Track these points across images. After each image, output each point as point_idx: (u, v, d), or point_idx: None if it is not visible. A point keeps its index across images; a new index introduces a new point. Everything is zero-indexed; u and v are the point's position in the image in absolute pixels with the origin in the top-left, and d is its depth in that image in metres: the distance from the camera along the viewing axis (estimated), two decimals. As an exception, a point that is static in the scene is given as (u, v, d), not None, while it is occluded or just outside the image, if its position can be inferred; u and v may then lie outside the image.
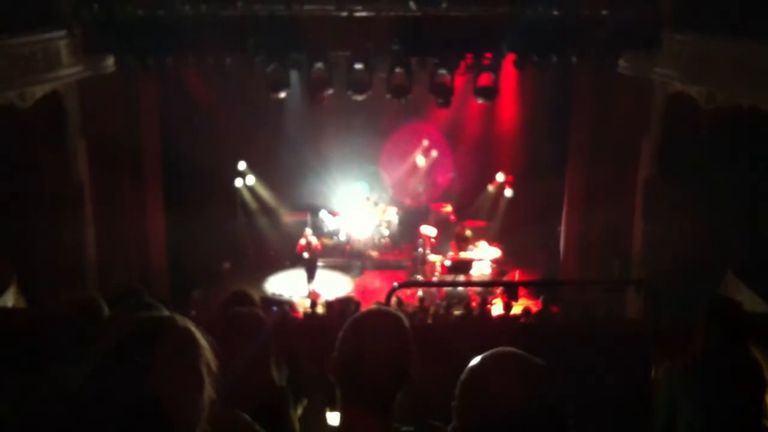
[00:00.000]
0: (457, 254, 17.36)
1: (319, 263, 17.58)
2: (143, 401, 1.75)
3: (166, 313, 1.95)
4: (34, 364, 3.24)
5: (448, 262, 16.98)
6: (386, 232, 19.06)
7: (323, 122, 18.24)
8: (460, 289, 16.52)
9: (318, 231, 18.34)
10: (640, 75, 14.26)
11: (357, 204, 19.14)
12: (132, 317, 1.92)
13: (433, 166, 20.09)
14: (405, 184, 20.20)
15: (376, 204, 19.13)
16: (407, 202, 20.14)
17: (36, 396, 2.95)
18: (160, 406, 1.75)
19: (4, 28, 11.90)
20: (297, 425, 3.79)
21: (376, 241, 18.88)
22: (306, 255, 17.08)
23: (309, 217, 18.86)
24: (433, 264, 17.36)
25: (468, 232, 18.15)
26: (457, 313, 13.96)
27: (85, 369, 1.81)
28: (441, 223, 18.83)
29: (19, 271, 11.72)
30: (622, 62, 14.41)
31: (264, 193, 19.35)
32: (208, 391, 1.85)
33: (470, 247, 17.62)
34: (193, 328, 1.90)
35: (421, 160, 20.03)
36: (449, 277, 16.87)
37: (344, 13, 13.85)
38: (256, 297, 4.84)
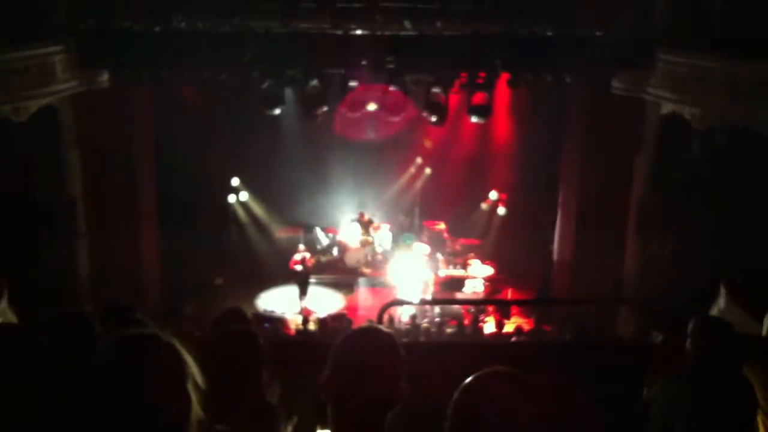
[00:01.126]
0: (447, 269, 17.37)
1: (312, 280, 17.54)
2: (129, 419, 1.73)
3: (152, 330, 1.93)
4: (25, 378, 3.23)
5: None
6: (379, 249, 19.04)
7: (317, 139, 18.24)
8: (452, 306, 16.48)
9: (311, 247, 18.31)
10: (634, 94, 14.34)
11: (350, 221, 19.11)
12: (116, 335, 1.90)
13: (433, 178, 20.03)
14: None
15: (369, 221, 19.11)
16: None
17: (27, 410, 2.93)
18: (146, 424, 1.74)
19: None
20: (288, 443, 3.78)
21: (369, 258, 18.85)
22: (299, 271, 17.04)
23: (302, 234, 18.83)
24: (425, 282, 17.34)
25: (458, 248, 18.17)
26: (449, 331, 13.95)
27: (73, 386, 1.80)
28: (434, 241, 18.81)
29: (12, 283, 11.67)
30: (615, 81, 14.49)
31: (257, 208, 19.33)
32: (196, 409, 1.84)
33: (461, 263, 17.61)
34: (178, 345, 1.89)
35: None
36: (442, 295, 16.85)
37: (340, 31, 13.90)
38: (249, 313, 4.84)
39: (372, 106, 18.30)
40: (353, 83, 14.26)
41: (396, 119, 16.26)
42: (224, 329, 3.83)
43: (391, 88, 14.72)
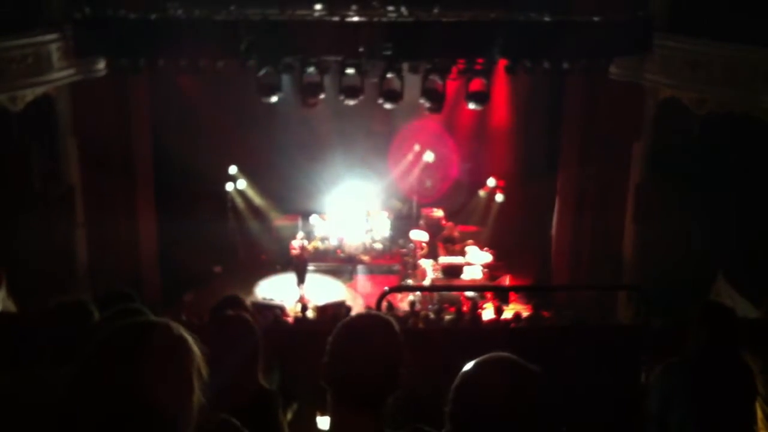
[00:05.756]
0: (444, 255, 17.39)
1: (310, 267, 17.56)
2: (133, 405, 1.74)
3: (164, 319, 1.94)
4: (24, 366, 3.23)
5: (438, 267, 16.99)
6: (377, 237, 19.05)
7: (315, 126, 18.23)
8: (451, 293, 16.50)
9: (309, 235, 18.32)
10: (632, 80, 14.30)
11: (348, 208, 19.11)
12: (129, 321, 1.91)
13: (432, 166, 20.03)
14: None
15: (367, 208, 19.11)
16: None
17: (26, 397, 2.93)
18: (150, 410, 1.74)
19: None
20: (286, 429, 3.79)
21: (368, 245, 18.86)
22: (297, 259, 17.05)
23: (300, 221, 18.83)
24: (424, 268, 17.36)
25: (456, 234, 18.19)
26: (448, 317, 13.96)
27: (76, 371, 1.80)
28: (432, 228, 18.82)
29: (10, 272, 11.68)
30: (613, 67, 14.45)
31: (255, 196, 19.32)
32: (198, 397, 1.85)
33: (458, 248, 17.61)
34: (188, 336, 1.90)
35: (429, 156, 19.88)
36: (441, 282, 16.86)
37: (336, 18, 13.85)
38: (248, 301, 4.84)
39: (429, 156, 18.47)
40: (350, 70, 14.20)
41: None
42: (221, 316, 3.84)
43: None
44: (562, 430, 1.99)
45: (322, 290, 17.11)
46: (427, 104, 14.96)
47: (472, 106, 15.21)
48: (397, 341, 2.37)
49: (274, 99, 14.62)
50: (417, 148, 19.98)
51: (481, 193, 19.63)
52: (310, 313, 14.57)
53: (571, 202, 16.80)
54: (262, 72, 14.07)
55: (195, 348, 1.89)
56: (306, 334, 7.53)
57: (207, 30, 13.56)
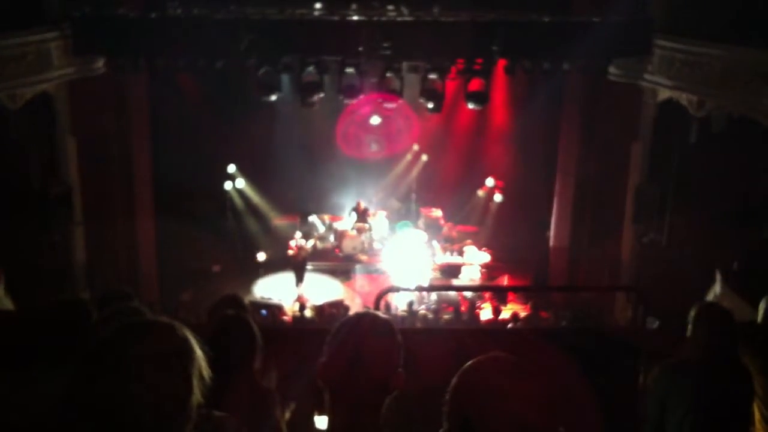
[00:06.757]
0: (442, 255, 17.39)
1: (309, 267, 17.54)
2: (132, 406, 1.74)
3: (168, 320, 1.95)
4: (22, 365, 3.23)
5: (437, 267, 16.99)
6: (376, 236, 19.03)
7: (314, 126, 18.22)
8: (449, 293, 16.50)
9: (308, 234, 18.30)
10: (631, 81, 14.31)
11: (347, 208, 19.11)
12: (129, 321, 1.92)
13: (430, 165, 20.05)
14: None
15: (365, 210, 19.09)
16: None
17: (23, 396, 2.93)
18: (148, 410, 1.75)
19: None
20: (285, 429, 3.79)
21: (366, 245, 18.85)
22: (295, 259, 17.03)
23: (299, 221, 18.83)
24: (422, 268, 17.35)
25: (454, 234, 18.18)
26: (446, 317, 13.96)
27: (75, 371, 1.80)
28: (430, 228, 18.82)
29: (7, 271, 11.66)
30: (612, 68, 14.45)
31: (254, 196, 19.31)
32: (197, 397, 1.85)
33: (457, 250, 17.61)
34: (191, 338, 1.91)
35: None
36: (439, 282, 16.86)
37: (336, 17, 13.85)
38: (246, 300, 4.85)
39: (376, 119, 18.46)
40: (349, 70, 14.20)
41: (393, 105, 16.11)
42: (219, 316, 3.85)
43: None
44: (559, 431, 1.99)
45: (320, 290, 17.09)
46: (427, 104, 14.96)
47: (471, 106, 15.21)
48: (394, 341, 2.37)
49: (273, 98, 14.61)
50: (416, 147, 19.99)
51: (480, 193, 19.64)
52: (308, 313, 14.56)
53: (570, 202, 16.81)
54: (261, 71, 14.06)
55: (197, 349, 1.90)
56: (304, 333, 7.54)
57: (206, 29, 13.54)
